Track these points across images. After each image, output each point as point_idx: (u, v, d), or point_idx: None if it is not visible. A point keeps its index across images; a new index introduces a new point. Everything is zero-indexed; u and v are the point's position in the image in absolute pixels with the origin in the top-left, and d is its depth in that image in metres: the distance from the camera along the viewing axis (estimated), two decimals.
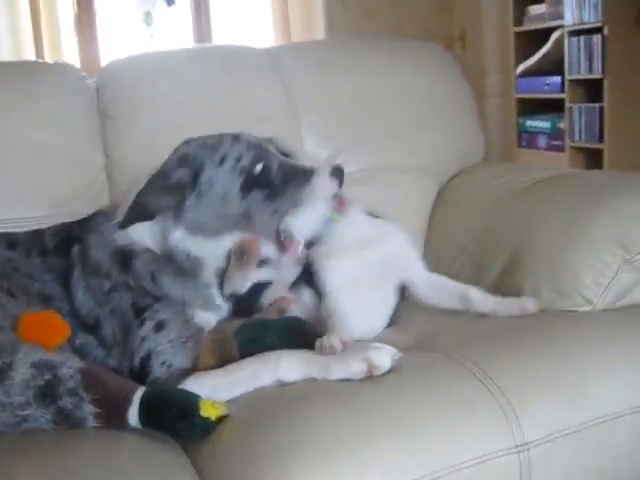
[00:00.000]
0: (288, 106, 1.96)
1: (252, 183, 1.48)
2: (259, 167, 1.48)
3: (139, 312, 1.44)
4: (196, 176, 1.47)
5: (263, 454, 1.17)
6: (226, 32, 4.31)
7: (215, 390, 1.33)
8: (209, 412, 1.24)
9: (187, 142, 1.54)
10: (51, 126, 1.85)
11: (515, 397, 1.27)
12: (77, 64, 3.87)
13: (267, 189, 1.48)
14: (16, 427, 1.23)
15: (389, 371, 1.31)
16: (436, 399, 1.26)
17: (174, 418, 1.24)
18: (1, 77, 1.91)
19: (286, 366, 1.34)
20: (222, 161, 1.49)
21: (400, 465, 1.16)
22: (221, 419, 1.25)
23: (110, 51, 4.17)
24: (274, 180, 1.49)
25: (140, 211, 1.46)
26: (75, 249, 1.51)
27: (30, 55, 4.03)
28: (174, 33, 4.33)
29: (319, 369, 1.33)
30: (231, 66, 2.03)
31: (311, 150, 1.97)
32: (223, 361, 1.40)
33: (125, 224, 1.47)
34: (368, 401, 1.25)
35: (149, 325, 1.42)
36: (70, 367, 1.26)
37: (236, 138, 1.53)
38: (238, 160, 1.49)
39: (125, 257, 1.48)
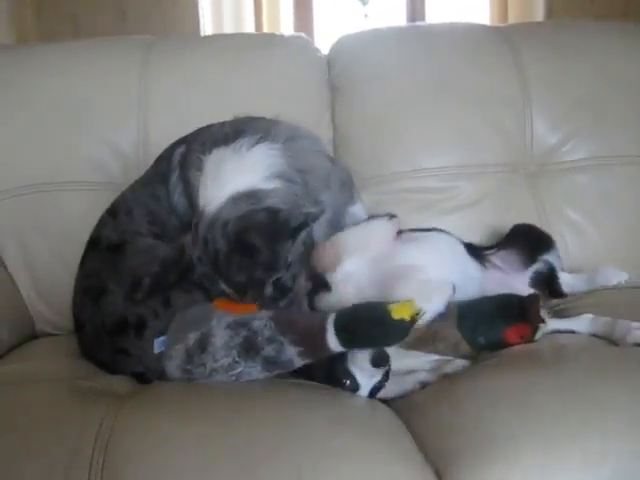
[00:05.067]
0: (520, 87, 1.91)
1: None
2: None
3: None
4: None
5: (488, 435, 1.16)
6: (440, 12, 4.26)
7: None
8: (401, 313, 1.21)
9: None
10: (285, 97, 1.91)
11: None
12: None
13: None
14: (236, 382, 1.30)
15: None
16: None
17: (368, 328, 1.23)
18: (242, 47, 2.02)
19: None
20: None
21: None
22: (416, 317, 1.22)
23: (324, 30, 4.26)
24: None
25: None
26: (179, 150, 1.59)
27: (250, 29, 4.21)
28: (388, 13, 4.34)
29: None
30: (460, 43, 2.01)
31: (540, 134, 1.91)
32: (437, 323, 1.43)
33: None
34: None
35: None
36: (261, 318, 1.30)
37: None
38: None
39: None
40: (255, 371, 1.30)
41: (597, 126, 1.92)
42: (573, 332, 1.52)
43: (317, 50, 2.04)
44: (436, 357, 1.43)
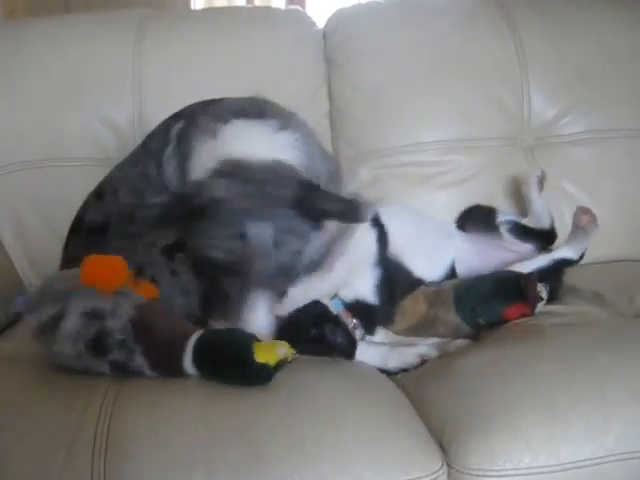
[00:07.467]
0: (517, 59, 1.89)
1: None
2: None
3: None
4: None
5: (492, 405, 1.17)
6: None
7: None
8: (265, 357, 1.14)
9: None
10: (281, 70, 1.90)
11: None
12: None
13: None
14: (89, 371, 1.22)
15: None
16: None
17: (228, 366, 1.16)
18: (237, 21, 2.00)
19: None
20: None
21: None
22: (281, 363, 1.16)
23: (316, 4, 4.21)
24: None
25: None
26: (177, 125, 1.55)
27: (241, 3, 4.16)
28: None
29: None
30: (457, 15, 1.99)
31: (538, 107, 1.90)
32: (436, 308, 1.45)
33: None
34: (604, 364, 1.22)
35: None
36: (120, 317, 1.21)
37: None
38: None
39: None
40: (104, 369, 1.21)
41: (595, 99, 1.91)
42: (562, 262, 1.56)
43: (313, 23, 2.02)
44: (438, 339, 1.44)
